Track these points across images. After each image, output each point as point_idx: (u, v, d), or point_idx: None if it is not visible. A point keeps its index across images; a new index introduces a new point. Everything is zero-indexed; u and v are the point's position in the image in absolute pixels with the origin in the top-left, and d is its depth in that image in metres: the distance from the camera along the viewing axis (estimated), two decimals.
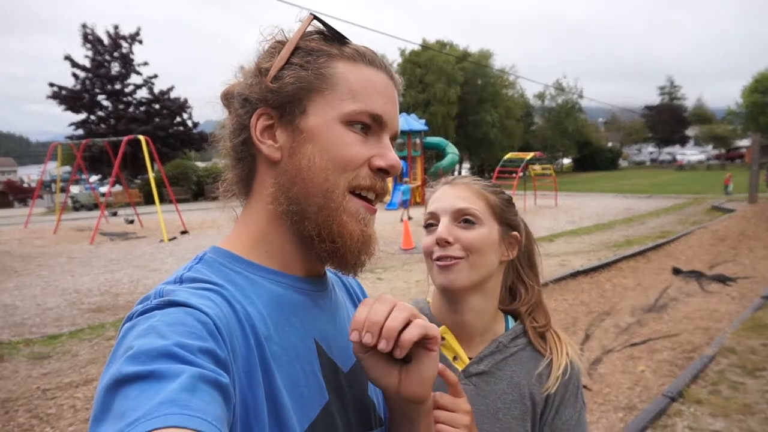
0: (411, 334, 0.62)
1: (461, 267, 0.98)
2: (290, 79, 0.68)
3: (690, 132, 60.78)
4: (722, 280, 7.08)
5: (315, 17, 0.71)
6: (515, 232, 1.07)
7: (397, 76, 0.76)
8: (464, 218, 1.00)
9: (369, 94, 0.69)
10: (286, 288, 0.70)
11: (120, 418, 0.44)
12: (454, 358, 1.03)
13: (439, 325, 1.02)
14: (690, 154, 57.57)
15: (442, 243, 0.98)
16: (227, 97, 0.76)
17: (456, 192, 1.03)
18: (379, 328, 0.61)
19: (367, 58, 0.71)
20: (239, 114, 0.71)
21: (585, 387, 3.95)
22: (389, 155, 0.71)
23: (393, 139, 0.74)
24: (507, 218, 1.06)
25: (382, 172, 0.70)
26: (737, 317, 5.45)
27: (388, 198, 19.56)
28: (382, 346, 0.61)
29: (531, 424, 1.00)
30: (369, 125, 0.70)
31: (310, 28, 0.72)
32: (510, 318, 1.11)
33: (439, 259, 0.99)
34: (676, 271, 7.59)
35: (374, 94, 0.70)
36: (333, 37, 0.71)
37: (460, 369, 1.02)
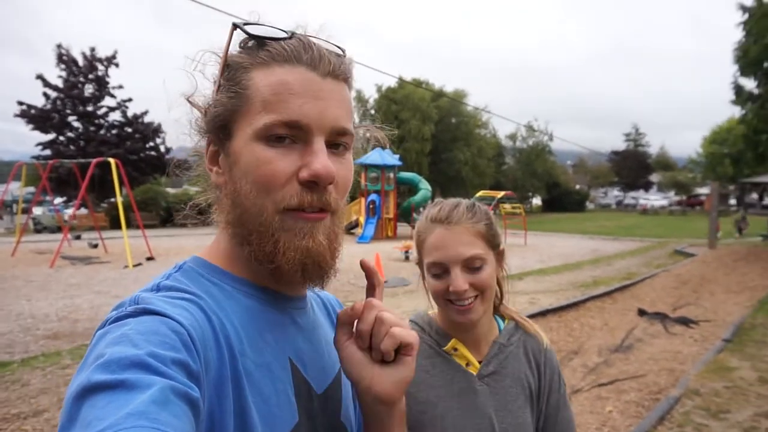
0: (386, 345, 0.66)
1: (476, 304, 1.07)
2: (215, 106, 0.66)
3: (653, 178, 63.02)
4: (685, 322, 7.23)
5: (236, 26, 0.66)
6: (502, 247, 1.16)
7: (331, 60, 0.66)
8: (473, 265, 1.06)
9: (281, 99, 0.62)
10: (264, 303, 0.68)
11: (85, 428, 0.42)
12: (467, 365, 1.13)
13: (449, 338, 1.13)
14: (653, 199, 59.62)
15: (461, 294, 1.05)
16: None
17: (457, 238, 1.07)
18: (363, 332, 0.67)
19: (282, 56, 0.64)
20: (198, 141, 0.73)
21: None
22: (313, 163, 0.62)
23: (338, 134, 0.66)
24: (496, 240, 1.13)
25: (311, 183, 0.63)
26: (700, 359, 5.55)
27: (359, 231, 19.62)
28: (359, 344, 0.68)
29: (530, 409, 1.14)
30: (289, 135, 0.63)
31: (244, 38, 0.68)
32: (497, 316, 1.23)
33: (455, 303, 1.07)
34: (642, 313, 7.72)
35: (287, 98, 0.62)
36: (258, 43, 0.66)
37: (474, 374, 1.12)
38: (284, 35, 0.66)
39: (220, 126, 0.67)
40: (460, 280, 1.04)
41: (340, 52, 0.69)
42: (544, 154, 49.67)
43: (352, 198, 23.50)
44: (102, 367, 0.47)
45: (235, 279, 0.68)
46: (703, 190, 53.75)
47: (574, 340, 6.38)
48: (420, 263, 1.16)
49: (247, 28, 0.66)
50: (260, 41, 0.66)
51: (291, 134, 0.63)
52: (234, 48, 0.68)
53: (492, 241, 1.11)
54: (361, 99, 41.21)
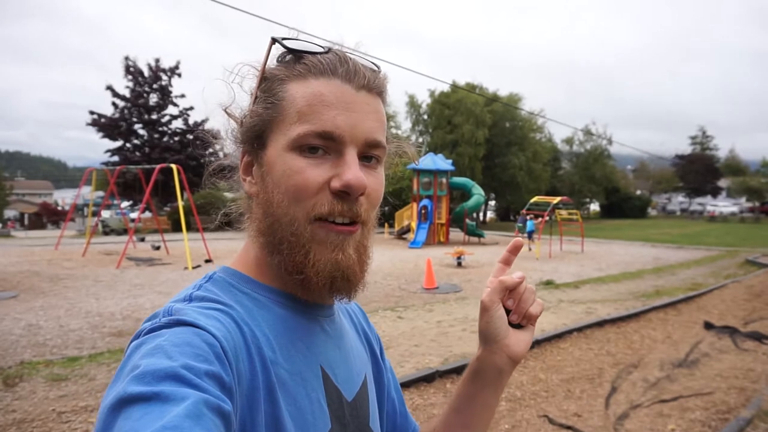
0: (535, 309, 0.78)
1: None
2: (251, 117, 0.68)
3: (722, 183, 59.64)
4: (758, 337, 6.76)
5: (275, 40, 0.68)
6: None
7: (365, 74, 0.67)
8: None
9: (316, 111, 0.64)
10: (294, 312, 0.69)
11: None
12: None
13: None
14: (722, 205, 56.26)
15: None
16: None
17: None
18: (517, 296, 0.76)
19: (317, 68, 0.66)
20: (231, 148, 0.75)
21: None
22: (345, 174, 0.63)
23: (371, 147, 0.67)
24: None
25: (343, 193, 0.64)
26: None
27: (411, 236, 19.62)
28: (509, 305, 0.77)
29: None
30: (322, 146, 0.64)
31: (282, 52, 0.70)
32: None
33: None
34: (708, 326, 7.29)
35: (321, 109, 0.64)
36: (296, 57, 0.68)
37: None
38: (321, 49, 0.67)
39: (254, 136, 0.68)
40: None
41: (375, 68, 0.70)
42: (603, 159, 48.01)
43: (404, 203, 23.62)
44: (137, 379, 0.47)
45: (266, 288, 0.69)
46: None
47: (634, 353, 6.10)
48: None
49: (285, 42, 0.68)
50: (297, 55, 0.68)
51: (324, 145, 0.64)
52: (272, 62, 0.71)
53: None
54: (413, 104, 41.26)
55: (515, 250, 0.79)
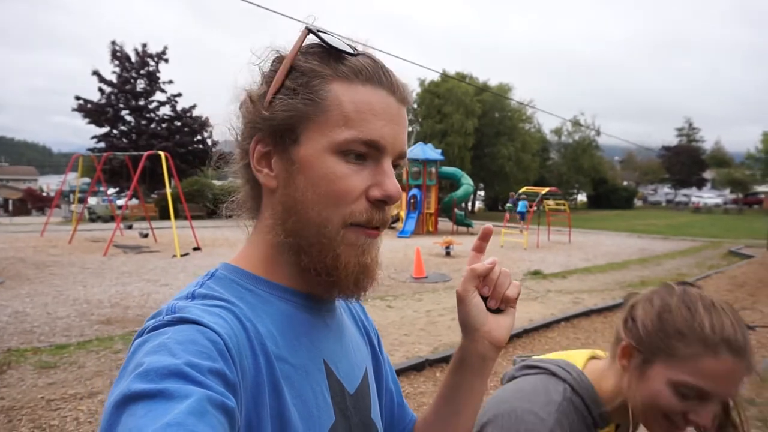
0: (512, 292, 0.77)
1: None
2: (282, 107, 0.65)
3: (707, 175, 60.34)
4: None
5: (310, 30, 0.67)
6: None
7: (404, 88, 0.70)
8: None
9: (364, 118, 0.64)
10: (297, 307, 0.70)
11: None
12: None
13: (608, 421, 0.99)
14: (707, 196, 57.03)
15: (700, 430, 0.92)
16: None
17: (740, 379, 0.92)
18: (492, 282, 0.76)
19: (364, 74, 0.66)
20: (242, 137, 0.71)
21: None
22: (386, 184, 0.66)
23: (400, 158, 0.69)
24: None
25: (381, 202, 0.66)
26: (757, 367, 5.29)
27: (400, 225, 19.64)
28: (485, 291, 0.76)
29: None
30: (365, 153, 0.65)
31: (307, 42, 0.68)
32: None
33: (674, 428, 0.91)
34: None
35: (370, 118, 0.64)
36: (330, 52, 0.67)
37: None
38: (353, 51, 0.67)
39: (285, 129, 0.66)
40: (710, 418, 0.85)
41: (404, 80, 0.72)
42: (591, 149, 48.38)
43: None
44: (141, 377, 0.48)
45: (269, 284, 0.69)
46: (763, 188, 51.16)
47: None
48: (646, 352, 0.91)
49: (323, 36, 0.66)
50: (338, 55, 0.67)
51: (366, 153, 0.65)
52: (300, 54, 0.68)
53: None
54: None
55: (486, 237, 0.78)
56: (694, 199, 56.57)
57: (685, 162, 57.01)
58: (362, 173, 0.65)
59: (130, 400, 0.46)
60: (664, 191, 67.42)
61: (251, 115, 0.68)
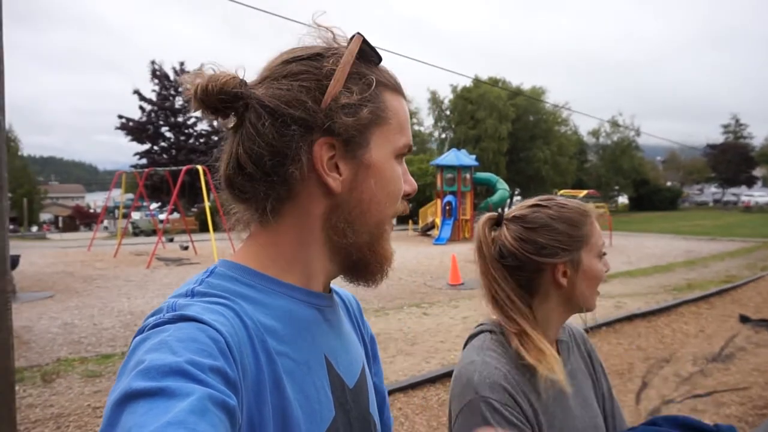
0: None
1: None
2: (366, 113, 0.66)
3: (758, 172, 57.81)
4: None
5: (364, 41, 0.69)
6: None
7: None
8: None
9: (406, 126, 0.73)
10: (298, 303, 0.69)
11: None
12: None
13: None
14: (758, 195, 54.57)
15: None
16: (227, 100, 0.65)
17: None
18: None
19: (398, 86, 0.74)
20: (277, 132, 0.64)
21: None
22: (411, 180, 0.77)
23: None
24: None
25: (407, 196, 0.76)
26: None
27: (436, 233, 19.54)
28: None
29: (595, 397, 1.17)
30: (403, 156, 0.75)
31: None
32: None
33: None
34: (744, 319, 7.09)
35: (408, 126, 0.74)
36: (374, 62, 0.71)
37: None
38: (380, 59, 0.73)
39: (356, 133, 0.67)
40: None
41: None
42: (630, 150, 47.06)
43: (428, 199, 23.46)
44: (142, 374, 0.48)
45: (270, 279, 0.68)
46: None
47: (665, 348, 5.97)
48: (576, 258, 1.09)
49: (368, 48, 0.71)
50: (379, 66, 0.72)
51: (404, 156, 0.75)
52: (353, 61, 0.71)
53: None
54: (436, 100, 41.11)
55: None
56: (744, 198, 54.22)
57: (732, 160, 54.63)
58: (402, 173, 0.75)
59: (131, 397, 0.46)
60: (711, 191, 64.90)
61: (313, 115, 0.64)
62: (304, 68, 0.66)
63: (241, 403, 0.54)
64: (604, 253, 1.16)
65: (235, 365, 0.55)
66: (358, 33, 0.69)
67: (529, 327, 1.06)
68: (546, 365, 1.01)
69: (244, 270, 0.68)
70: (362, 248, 0.71)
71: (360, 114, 0.66)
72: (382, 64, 0.73)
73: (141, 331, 0.56)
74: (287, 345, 0.64)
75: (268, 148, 0.64)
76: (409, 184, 0.75)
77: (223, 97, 0.64)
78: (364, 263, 0.73)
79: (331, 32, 0.70)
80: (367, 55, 0.70)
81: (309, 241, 0.69)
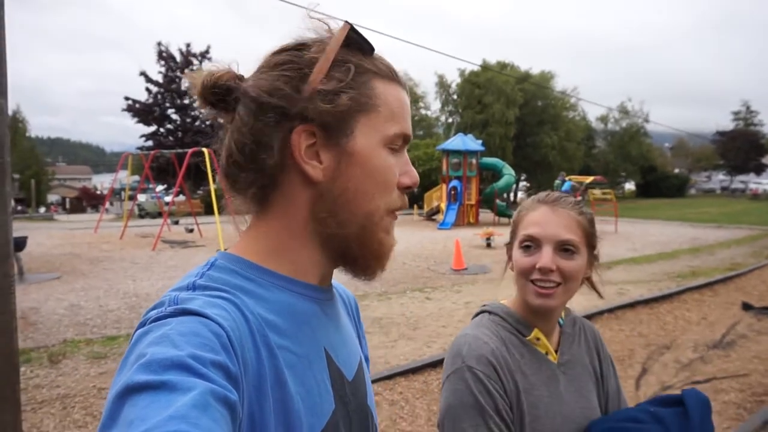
0: None
1: (558, 293, 1.09)
2: (345, 100, 0.65)
3: (767, 160, 57.17)
4: None
5: (352, 29, 0.68)
6: (596, 251, 1.18)
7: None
8: (566, 247, 1.09)
9: (402, 114, 0.71)
10: (298, 296, 0.69)
11: (127, 427, 0.44)
12: (547, 354, 1.15)
13: (530, 328, 1.14)
14: (766, 183, 54.08)
15: (546, 272, 1.07)
16: (221, 93, 0.68)
17: (559, 220, 1.10)
18: None
19: (393, 74, 0.72)
20: (258, 121, 0.65)
21: None
22: (412, 172, 0.73)
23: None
24: (593, 240, 1.16)
25: (407, 189, 0.73)
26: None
27: (441, 217, 19.52)
28: None
29: (597, 393, 1.18)
30: (400, 146, 0.72)
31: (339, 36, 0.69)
32: None
33: (537, 282, 1.09)
34: (747, 307, 7.09)
35: (404, 114, 0.71)
36: (364, 50, 0.70)
37: (554, 362, 1.15)
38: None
39: (340, 121, 0.66)
40: (549, 258, 1.07)
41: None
42: (639, 137, 46.61)
43: (434, 184, 23.32)
44: (144, 367, 0.48)
45: (270, 273, 0.68)
46: None
47: (667, 334, 5.99)
48: (510, 243, 1.19)
49: (362, 34, 0.70)
50: (372, 54, 0.71)
51: (400, 146, 0.72)
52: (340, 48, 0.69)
53: (589, 239, 1.14)
54: (443, 84, 40.77)
55: None
56: (752, 186, 53.80)
57: (742, 147, 54.06)
58: (396, 163, 0.71)
59: (132, 390, 0.46)
60: (719, 178, 64.33)
61: (293, 102, 0.64)
62: (287, 58, 0.67)
63: (242, 397, 0.55)
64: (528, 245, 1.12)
65: (237, 360, 0.55)
66: (346, 21, 0.68)
67: None
68: None
69: (243, 263, 0.68)
70: (349, 240, 0.69)
71: (338, 101, 0.65)
72: (377, 52, 0.71)
73: (142, 325, 0.56)
74: (288, 339, 0.65)
75: (249, 136, 0.66)
76: (409, 177, 0.72)
77: (216, 90, 0.68)
78: (353, 256, 0.71)
79: (327, 24, 0.69)
80: (356, 43, 0.69)
81: (296, 232, 0.69)
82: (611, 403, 1.20)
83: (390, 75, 0.71)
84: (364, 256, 0.71)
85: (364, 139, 0.67)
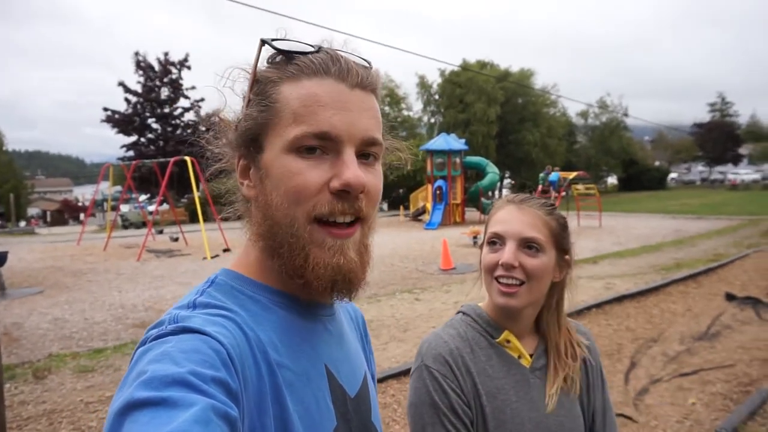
0: None
1: (521, 292, 1.08)
2: (246, 120, 0.68)
3: (744, 150, 58.21)
4: None
5: (264, 42, 0.67)
6: (567, 256, 1.16)
7: (359, 72, 0.67)
8: (529, 245, 1.09)
9: (311, 111, 0.64)
10: (298, 313, 0.70)
11: None
12: (519, 357, 1.14)
13: (500, 330, 1.14)
14: (744, 173, 55.00)
15: (509, 268, 1.07)
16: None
17: (524, 218, 1.10)
18: None
19: (310, 69, 0.65)
20: (227, 152, 0.74)
21: (630, 418, 3.76)
22: (343, 173, 0.63)
23: (368, 145, 0.67)
24: (563, 243, 1.14)
25: (343, 192, 0.64)
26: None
27: (427, 217, 19.58)
28: None
29: (580, 404, 1.15)
30: (320, 146, 0.64)
31: (272, 53, 0.69)
32: None
33: (501, 280, 1.09)
34: (730, 297, 7.20)
35: (317, 110, 0.64)
36: (288, 57, 0.67)
37: (527, 366, 1.13)
38: (311, 49, 0.67)
39: (250, 140, 0.68)
40: (512, 254, 1.07)
41: (367, 65, 0.70)
42: (619, 131, 47.16)
43: (419, 184, 23.44)
44: (144, 384, 0.48)
45: (269, 290, 0.69)
46: None
47: (654, 327, 6.06)
48: (482, 244, 1.20)
49: (275, 43, 0.67)
50: (288, 56, 0.67)
51: (321, 145, 0.64)
52: (263, 64, 0.70)
53: (558, 240, 1.13)
54: (424, 85, 40.84)
55: None
56: (730, 176, 54.62)
57: (719, 138, 55.01)
58: (321, 166, 0.64)
59: (133, 407, 0.46)
60: (698, 170, 65.34)
61: (229, 134, 0.72)
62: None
63: (243, 413, 0.55)
64: (494, 242, 1.14)
65: (237, 376, 0.55)
66: (260, 39, 0.68)
67: None
68: None
69: (243, 280, 0.69)
70: (282, 258, 0.66)
71: (248, 121, 0.68)
72: (303, 52, 0.67)
73: (143, 343, 0.57)
74: (287, 356, 0.65)
75: (229, 165, 0.76)
76: (338, 178, 0.63)
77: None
78: (291, 277, 0.66)
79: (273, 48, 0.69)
80: (278, 54, 0.68)
81: (258, 247, 0.70)
82: (597, 418, 1.17)
83: (300, 73, 0.65)
84: (291, 274, 0.66)
85: (270, 149, 0.66)
